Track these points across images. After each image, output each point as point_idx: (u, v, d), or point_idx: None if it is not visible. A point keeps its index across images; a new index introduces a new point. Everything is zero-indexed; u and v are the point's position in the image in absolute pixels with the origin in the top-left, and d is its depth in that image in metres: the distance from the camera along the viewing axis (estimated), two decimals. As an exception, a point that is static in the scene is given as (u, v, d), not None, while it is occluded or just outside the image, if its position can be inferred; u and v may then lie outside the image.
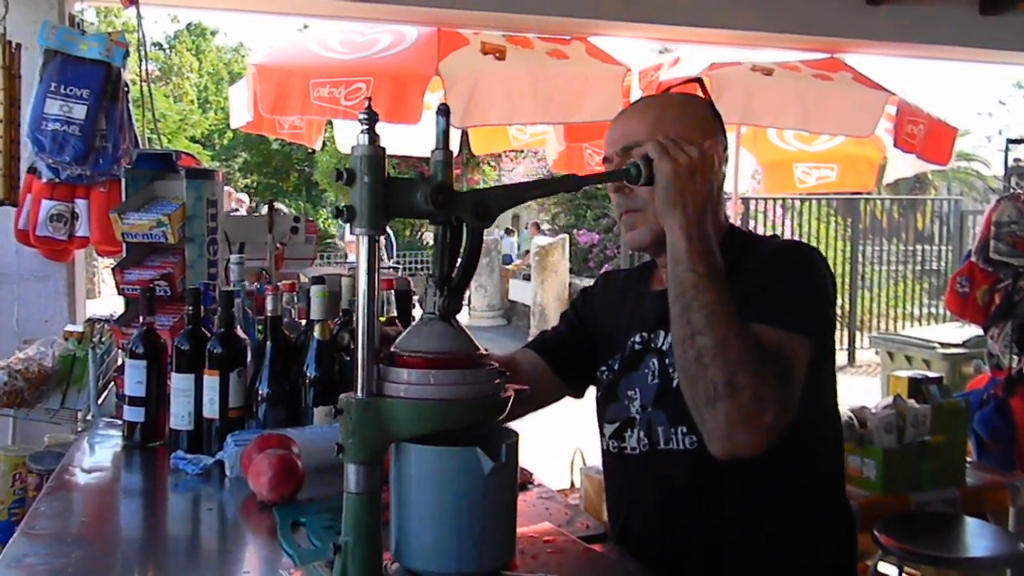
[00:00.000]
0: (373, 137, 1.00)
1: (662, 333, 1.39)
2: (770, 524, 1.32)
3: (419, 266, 17.25)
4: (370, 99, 1.06)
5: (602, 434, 1.50)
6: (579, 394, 1.60)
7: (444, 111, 1.06)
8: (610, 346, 1.50)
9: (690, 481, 1.33)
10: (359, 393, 1.00)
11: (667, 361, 1.36)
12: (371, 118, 1.00)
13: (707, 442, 1.18)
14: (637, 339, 1.44)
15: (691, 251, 1.20)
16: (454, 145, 5.60)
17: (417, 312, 1.29)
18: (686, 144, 1.24)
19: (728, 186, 5.57)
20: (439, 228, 1.05)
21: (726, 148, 1.42)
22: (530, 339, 1.65)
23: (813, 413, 1.29)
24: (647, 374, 1.40)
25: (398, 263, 15.59)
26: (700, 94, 1.44)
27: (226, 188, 3.40)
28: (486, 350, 1.06)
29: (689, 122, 1.36)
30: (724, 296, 1.17)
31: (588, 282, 1.81)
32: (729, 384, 1.13)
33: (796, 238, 1.70)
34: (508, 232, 16.58)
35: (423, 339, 1.02)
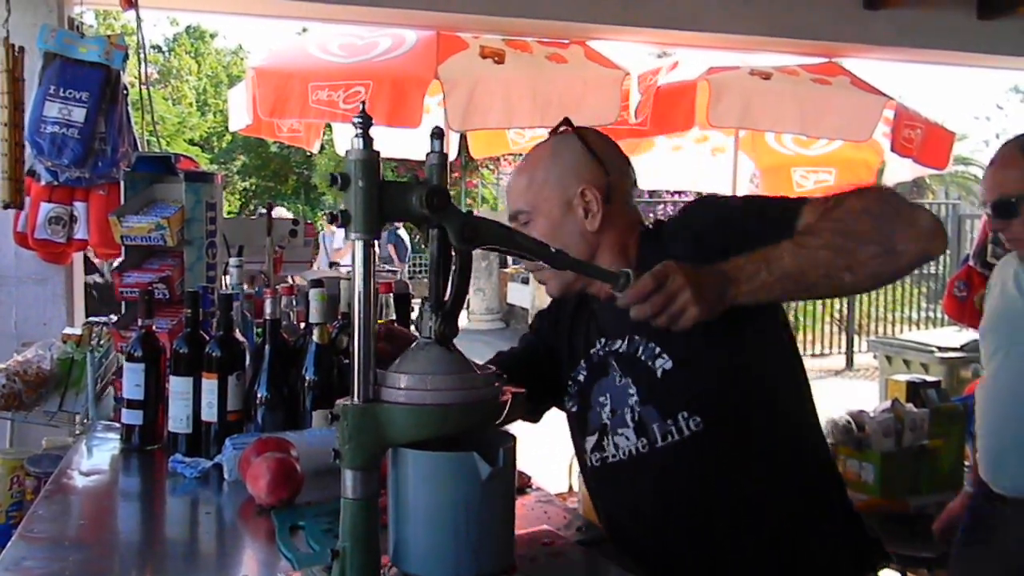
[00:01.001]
0: (367, 141, 1.00)
1: (618, 340, 1.40)
2: (772, 515, 1.32)
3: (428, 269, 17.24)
4: (364, 103, 1.07)
5: (582, 450, 1.48)
6: (535, 419, 1.57)
7: (439, 134, 1.06)
8: (573, 359, 1.50)
9: (691, 470, 1.33)
10: (356, 398, 1.00)
11: (640, 357, 1.36)
12: (365, 122, 1.00)
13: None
14: (598, 347, 1.45)
15: (761, 285, 1.18)
16: (452, 149, 5.63)
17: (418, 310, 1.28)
18: (668, 284, 1.16)
19: (727, 190, 5.60)
20: (433, 250, 1.05)
21: (622, 169, 1.43)
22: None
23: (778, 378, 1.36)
24: (615, 377, 1.41)
25: (414, 267, 15.58)
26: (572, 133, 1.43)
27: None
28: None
29: (560, 175, 1.39)
30: (797, 255, 1.18)
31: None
32: (885, 247, 1.18)
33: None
34: None
35: (419, 365, 1.03)
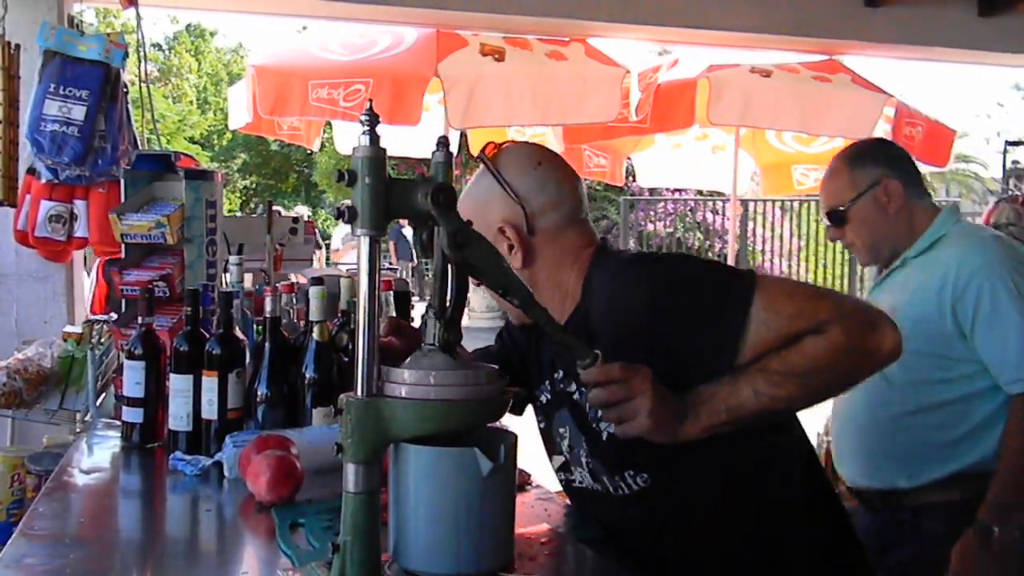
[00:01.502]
0: (374, 138, 1.00)
1: (573, 383, 1.34)
2: (748, 528, 1.29)
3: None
4: (371, 100, 1.07)
5: (551, 463, 1.46)
6: (518, 412, 1.54)
7: (444, 143, 1.05)
8: (539, 375, 1.45)
9: (649, 516, 1.30)
10: (359, 393, 1.00)
11: (588, 413, 1.30)
12: (372, 119, 1.00)
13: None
14: (557, 377, 1.39)
15: (719, 424, 1.18)
16: (453, 147, 5.62)
17: (418, 310, 1.27)
18: (634, 382, 1.14)
19: (727, 187, 5.61)
20: (437, 257, 1.04)
21: (547, 195, 1.32)
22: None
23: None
24: (570, 419, 1.37)
25: (427, 265, 15.56)
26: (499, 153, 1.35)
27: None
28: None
29: (481, 215, 1.28)
30: (759, 401, 1.17)
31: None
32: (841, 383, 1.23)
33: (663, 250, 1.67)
34: None
35: (423, 367, 1.02)
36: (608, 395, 1.14)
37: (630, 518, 1.33)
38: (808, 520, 1.35)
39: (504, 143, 1.41)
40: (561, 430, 1.40)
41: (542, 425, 1.48)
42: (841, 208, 1.92)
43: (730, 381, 1.18)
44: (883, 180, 1.88)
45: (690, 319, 1.22)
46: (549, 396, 1.44)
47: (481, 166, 1.36)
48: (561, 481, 1.46)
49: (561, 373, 1.39)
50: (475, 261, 1.03)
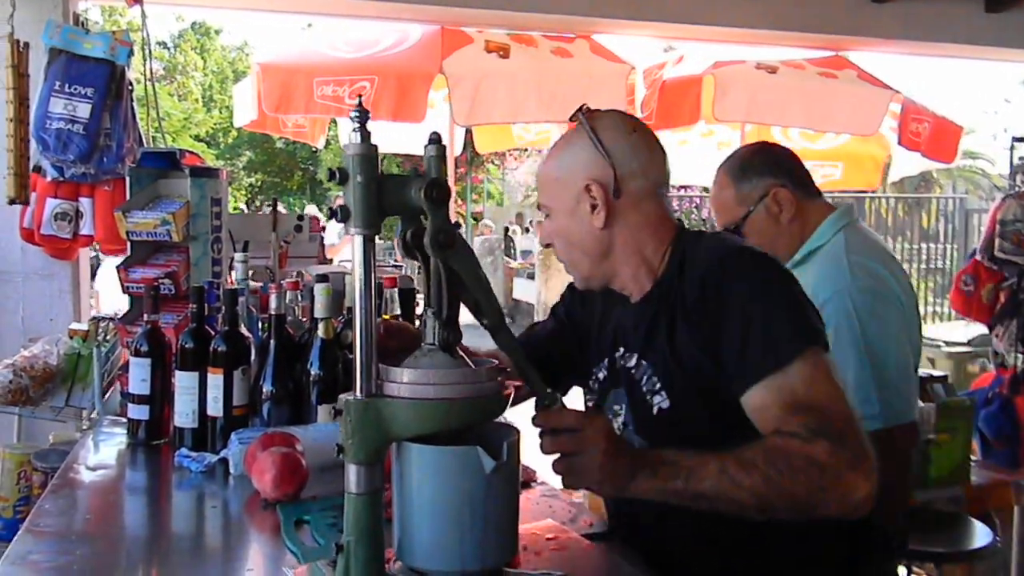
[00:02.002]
0: (365, 135, 0.99)
1: (633, 357, 1.36)
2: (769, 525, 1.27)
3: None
4: (361, 98, 1.06)
5: None
6: (563, 392, 1.53)
7: (437, 138, 1.04)
8: (599, 350, 1.47)
9: None
10: (358, 393, 1.00)
11: (643, 387, 1.32)
12: (363, 116, 0.99)
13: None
14: (618, 355, 1.41)
15: (669, 490, 1.14)
16: (458, 144, 5.60)
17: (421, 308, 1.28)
18: (586, 434, 1.12)
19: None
20: (433, 258, 1.03)
21: (638, 162, 1.33)
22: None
23: None
24: (625, 396, 1.38)
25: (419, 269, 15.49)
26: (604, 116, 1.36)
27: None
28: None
29: (568, 170, 1.33)
30: (719, 485, 1.12)
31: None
32: (809, 507, 1.14)
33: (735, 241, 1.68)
34: (526, 230, 16.56)
35: (423, 366, 1.03)
36: (557, 445, 1.12)
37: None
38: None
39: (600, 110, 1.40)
40: (616, 407, 1.40)
41: (591, 403, 1.48)
42: (734, 225, 1.87)
43: (699, 454, 1.15)
44: (772, 190, 1.84)
45: (744, 333, 1.21)
46: (606, 373, 1.44)
47: (571, 129, 1.37)
48: None
49: (622, 350, 1.40)
50: (456, 265, 1.03)
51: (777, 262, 1.33)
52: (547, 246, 1.43)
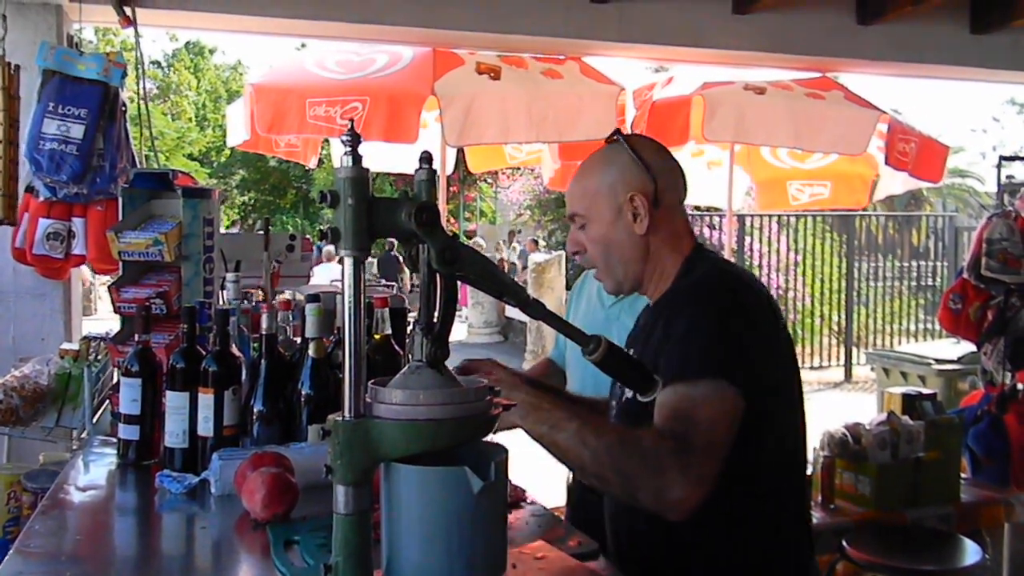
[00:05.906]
0: (356, 158, 1.00)
1: (632, 351, 1.46)
2: (731, 550, 1.37)
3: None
4: (352, 120, 1.07)
5: None
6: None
7: (428, 159, 1.07)
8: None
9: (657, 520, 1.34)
10: (347, 414, 1.01)
11: (624, 401, 1.46)
12: (354, 139, 1.00)
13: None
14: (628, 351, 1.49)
15: (535, 434, 1.29)
16: (450, 163, 5.60)
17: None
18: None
19: (722, 203, 5.62)
20: (423, 273, 1.06)
21: (670, 177, 1.48)
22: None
23: (756, 454, 1.34)
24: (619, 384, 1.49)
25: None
26: (628, 139, 1.49)
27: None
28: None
29: (611, 183, 1.45)
30: (571, 440, 1.27)
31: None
32: (623, 485, 1.26)
33: (733, 261, 1.81)
34: (515, 248, 16.59)
35: (411, 385, 1.03)
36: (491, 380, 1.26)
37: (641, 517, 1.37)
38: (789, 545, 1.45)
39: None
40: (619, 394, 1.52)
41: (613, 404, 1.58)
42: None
43: (572, 410, 1.31)
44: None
45: (675, 343, 1.35)
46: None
47: (609, 146, 1.50)
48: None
49: (632, 351, 1.50)
50: (467, 272, 1.07)
51: (738, 298, 1.40)
52: (575, 254, 1.53)
